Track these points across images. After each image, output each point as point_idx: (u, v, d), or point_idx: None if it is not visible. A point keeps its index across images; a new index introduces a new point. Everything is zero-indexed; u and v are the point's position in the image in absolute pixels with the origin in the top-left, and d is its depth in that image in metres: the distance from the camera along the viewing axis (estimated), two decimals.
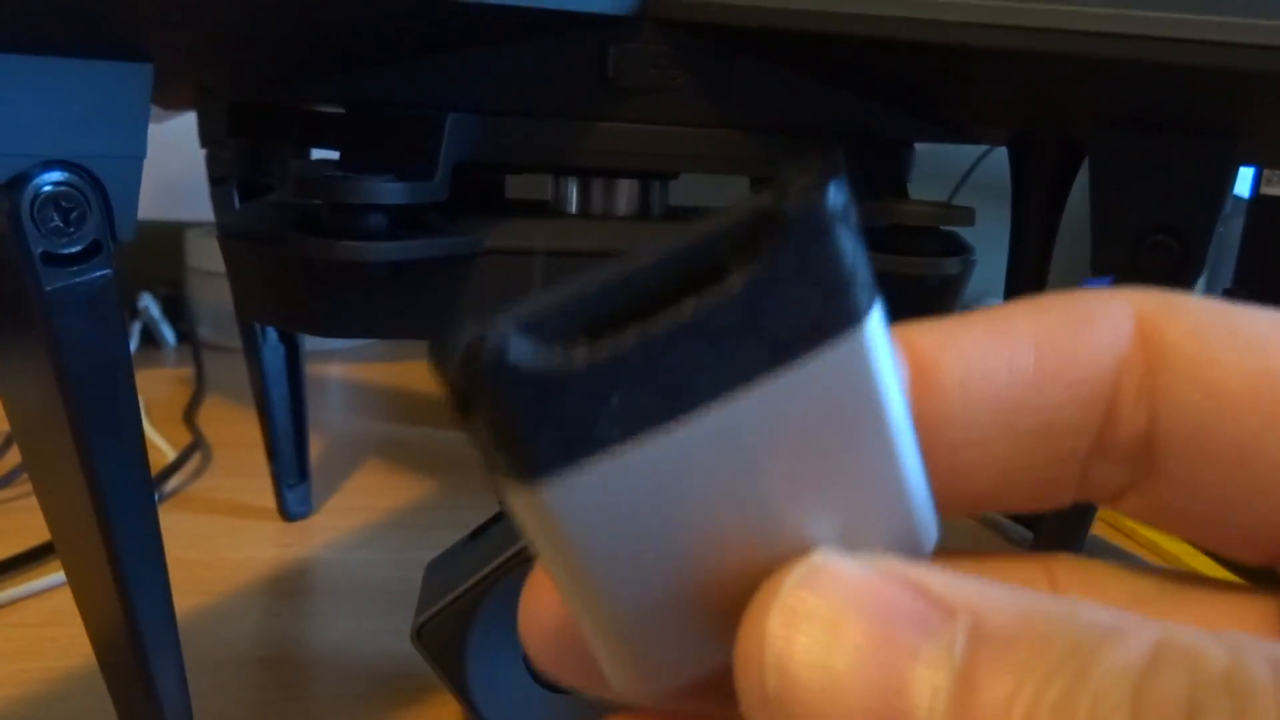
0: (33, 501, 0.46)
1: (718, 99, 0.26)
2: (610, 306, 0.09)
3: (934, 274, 0.25)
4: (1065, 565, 0.13)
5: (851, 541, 0.11)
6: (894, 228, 0.26)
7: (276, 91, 0.25)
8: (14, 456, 0.50)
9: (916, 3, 0.22)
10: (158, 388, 0.66)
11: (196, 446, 0.55)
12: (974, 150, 0.83)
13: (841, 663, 0.09)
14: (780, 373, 0.09)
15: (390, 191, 0.22)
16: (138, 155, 0.20)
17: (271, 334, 0.45)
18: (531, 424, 0.09)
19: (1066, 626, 0.09)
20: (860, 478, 0.10)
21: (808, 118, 0.27)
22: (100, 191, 0.20)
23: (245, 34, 0.21)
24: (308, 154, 0.37)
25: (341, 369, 0.75)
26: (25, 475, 0.48)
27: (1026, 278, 0.30)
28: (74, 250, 0.19)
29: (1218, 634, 0.09)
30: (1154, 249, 0.25)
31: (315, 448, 0.50)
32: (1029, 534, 0.48)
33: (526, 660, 0.27)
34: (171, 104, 0.35)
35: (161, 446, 0.54)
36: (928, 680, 0.09)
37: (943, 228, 0.26)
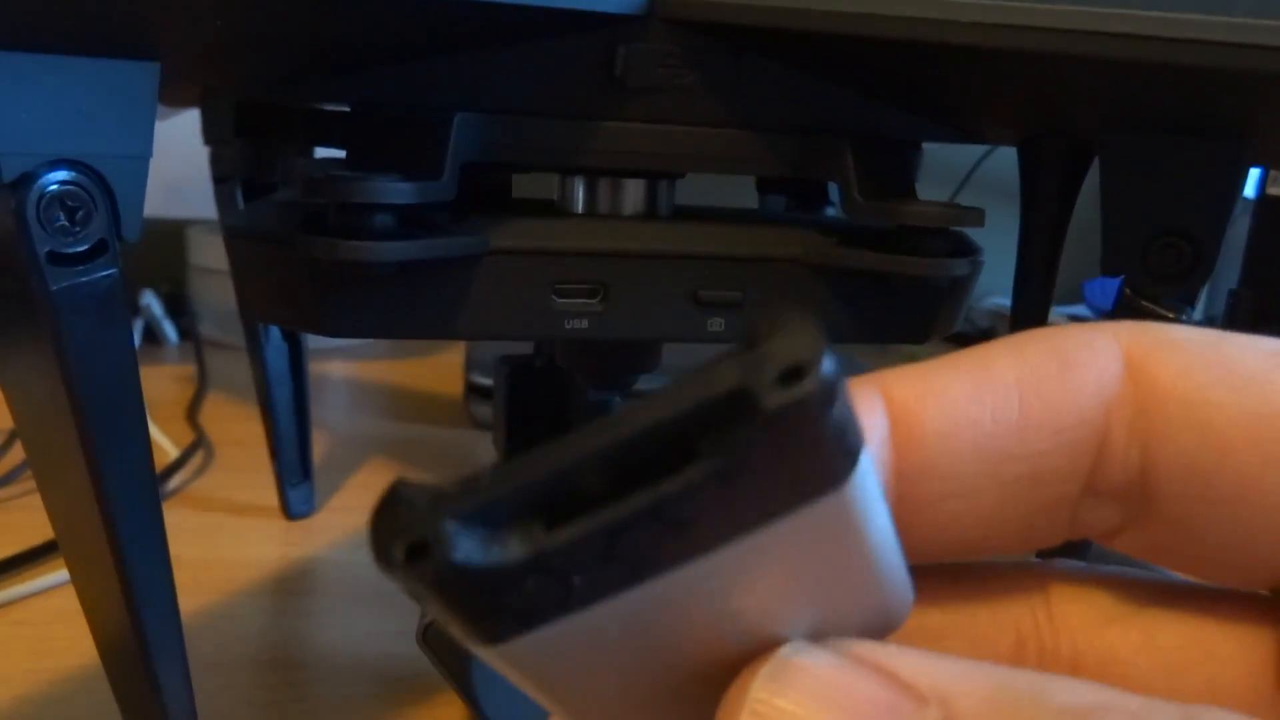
0: (34, 499, 0.46)
1: (726, 99, 0.26)
2: (568, 488, 0.08)
3: (942, 275, 0.25)
4: (1060, 577, 0.13)
5: (823, 626, 0.10)
6: (902, 228, 0.25)
7: (283, 91, 0.25)
8: (15, 455, 0.50)
9: (927, 3, 0.22)
10: (160, 385, 0.66)
11: (199, 445, 0.55)
12: (977, 148, 0.83)
13: None
14: (753, 534, 0.09)
15: (398, 191, 0.22)
16: (144, 154, 0.20)
17: (275, 333, 0.44)
18: (486, 612, 0.09)
19: (1039, 710, 0.09)
20: (836, 592, 0.10)
21: (816, 118, 0.27)
22: (106, 191, 0.20)
23: (253, 34, 0.21)
24: (312, 153, 0.37)
25: (343, 367, 0.75)
26: (27, 473, 0.48)
27: (1035, 279, 0.30)
28: (80, 249, 0.19)
29: (1188, 711, 0.09)
30: (1163, 251, 0.25)
31: (317, 446, 0.50)
32: None
33: None
34: (174, 101, 0.35)
35: (164, 444, 0.54)
36: None
37: (951, 229, 0.26)
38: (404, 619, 0.38)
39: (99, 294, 0.20)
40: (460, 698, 0.28)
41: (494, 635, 0.09)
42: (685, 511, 0.08)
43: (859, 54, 0.25)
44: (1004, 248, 0.31)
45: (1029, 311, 0.30)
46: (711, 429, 0.08)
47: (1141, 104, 0.24)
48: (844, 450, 0.09)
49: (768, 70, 0.26)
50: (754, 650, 0.10)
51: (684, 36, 0.25)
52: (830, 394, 0.08)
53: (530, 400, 0.35)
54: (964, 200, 0.82)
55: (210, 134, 0.41)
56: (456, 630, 0.09)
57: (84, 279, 0.19)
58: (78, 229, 0.19)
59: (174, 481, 0.51)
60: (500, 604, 0.09)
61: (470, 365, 0.64)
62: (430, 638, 0.26)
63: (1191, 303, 0.25)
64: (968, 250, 0.26)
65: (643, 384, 0.32)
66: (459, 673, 0.26)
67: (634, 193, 0.28)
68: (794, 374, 0.08)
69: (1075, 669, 0.12)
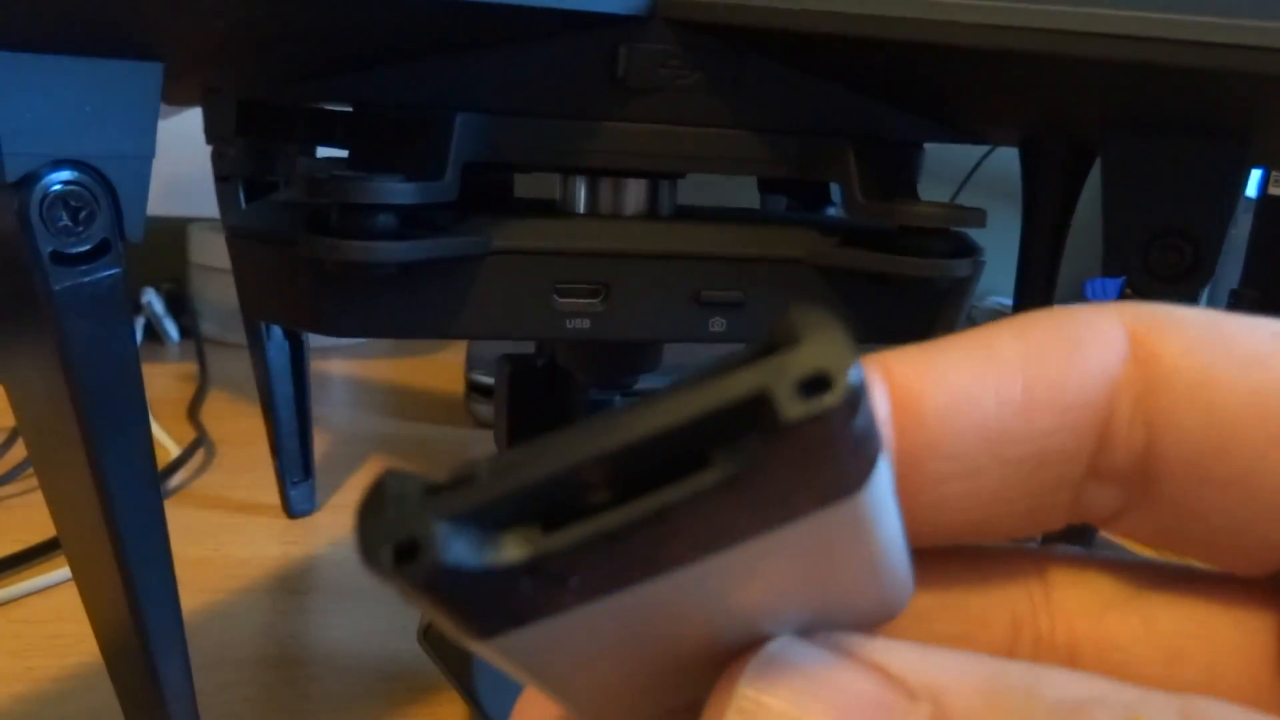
0: (35, 497, 0.46)
1: (728, 99, 0.26)
2: (569, 491, 0.08)
3: (944, 276, 0.25)
4: (1059, 562, 0.13)
5: (816, 622, 0.10)
6: (903, 228, 0.25)
7: (285, 91, 0.25)
8: (16, 453, 0.50)
9: (929, 4, 0.22)
10: (161, 384, 0.66)
11: (200, 443, 0.55)
12: (978, 148, 0.83)
13: None
14: (762, 536, 0.09)
15: (400, 192, 0.22)
16: (147, 155, 0.20)
17: (276, 331, 0.44)
18: (477, 611, 0.08)
19: (1032, 704, 0.09)
20: (838, 585, 0.10)
21: (818, 118, 0.27)
22: (109, 191, 0.20)
23: (255, 34, 0.21)
24: (313, 152, 0.37)
25: (344, 365, 0.75)
26: (28, 471, 0.48)
27: (1037, 279, 0.30)
28: (83, 249, 0.19)
29: (1184, 701, 0.09)
30: (1165, 251, 0.25)
31: (318, 444, 0.50)
32: None
33: None
34: (177, 100, 0.35)
35: (165, 443, 0.54)
36: None
37: (953, 229, 0.26)
38: (405, 617, 0.38)
39: (101, 294, 0.20)
40: (461, 695, 0.28)
41: (484, 632, 0.09)
42: (691, 518, 0.08)
43: (861, 55, 0.25)
44: (1005, 247, 0.31)
45: (1031, 306, 0.30)
46: (725, 435, 0.08)
47: (1143, 105, 0.24)
48: (864, 458, 0.08)
49: (770, 71, 0.26)
50: (745, 643, 0.10)
51: (686, 37, 0.25)
52: (855, 404, 0.08)
53: (531, 399, 0.35)
54: (965, 200, 0.82)
55: (212, 133, 0.41)
56: (446, 626, 0.09)
57: (86, 279, 0.20)
58: (80, 229, 0.19)
59: (175, 479, 0.51)
60: (492, 603, 0.08)
61: (471, 364, 0.64)
62: (431, 636, 0.27)
63: (1192, 303, 0.25)
64: (969, 251, 0.26)
65: (644, 383, 0.33)
66: (460, 671, 0.26)
67: (636, 193, 0.28)
68: (818, 384, 0.08)
69: (1072, 655, 0.12)
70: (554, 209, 0.29)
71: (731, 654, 0.10)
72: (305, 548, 0.44)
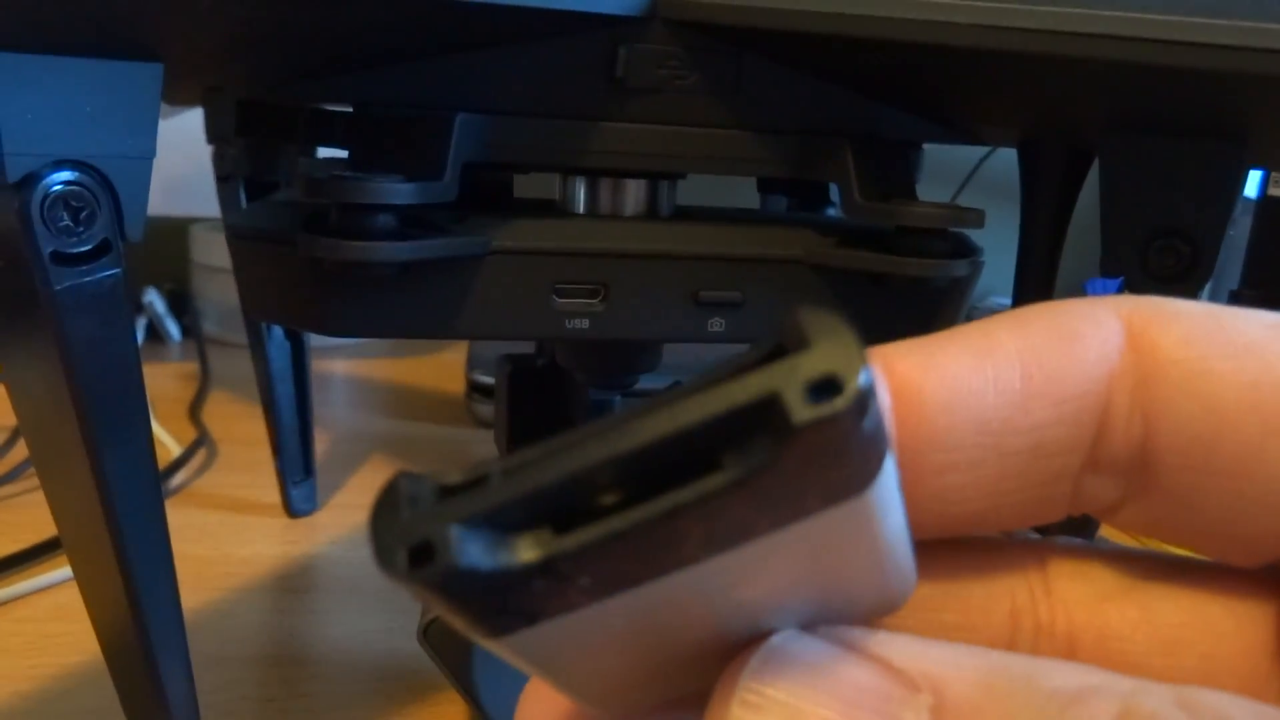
0: (36, 497, 0.46)
1: (727, 99, 0.26)
2: (581, 493, 0.08)
3: (942, 276, 0.25)
4: (1058, 553, 0.13)
5: (818, 615, 0.10)
6: (902, 229, 0.26)
7: (285, 90, 0.25)
8: (18, 452, 0.50)
9: (927, 5, 0.22)
10: (162, 383, 0.66)
11: (201, 442, 0.55)
12: (978, 148, 0.83)
13: None
14: (770, 534, 0.09)
15: (399, 192, 0.22)
16: (147, 155, 0.20)
17: (277, 331, 0.45)
18: (490, 611, 0.08)
19: (1031, 694, 0.09)
20: (843, 578, 0.10)
21: (817, 118, 0.27)
22: (110, 191, 0.20)
23: (254, 34, 0.21)
24: (314, 151, 0.37)
25: (345, 365, 0.75)
26: (29, 471, 0.48)
27: (1035, 279, 0.30)
28: (83, 250, 0.20)
29: (1181, 691, 0.09)
30: (1163, 252, 0.25)
31: (319, 444, 0.50)
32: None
33: None
34: (177, 100, 0.35)
35: (167, 442, 0.54)
36: None
37: (951, 229, 0.26)
38: (405, 616, 0.38)
39: (102, 294, 0.20)
40: (460, 694, 0.28)
41: (497, 631, 0.09)
42: (701, 519, 0.08)
43: (860, 55, 0.25)
44: (1004, 247, 0.31)
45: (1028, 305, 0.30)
46: (735, 438, 0.08)
47: (1141, 106, 0.24)
48: (872, 457, 0.08)
49: (769, 71, 0.26)
50: (750, 636, 0.10)
51: (685, 37, 0.25)
52: (864, 406, 0.08)
53: (532, 399, 0.35)
54: (964, 200, 0.82)
55: (213, 132, 0.41)
56: (458, 625, 0.09)
57: (87, 279, 0.20)
58: (81, 229, 0.19)
59: (177, 479, 0.51)
60: (505, 603, 0.08)
61: (472, 363, 0.64)
62: (431, 636, 0.27)
63: None
64: (968, 251, 0.26)
65: (643, 383, 0.33)
66: (460, 670, 0.26)
67: (635, 193, 0.28)
68: (828, 387, 0.08)
69: (1071, 645, 0.12)
70: (553, 209, 0.29)
71: (737, 647, 0.10)
72: (306, 547, 0.44)
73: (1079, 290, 0.97)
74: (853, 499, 0.09)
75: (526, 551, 0.08)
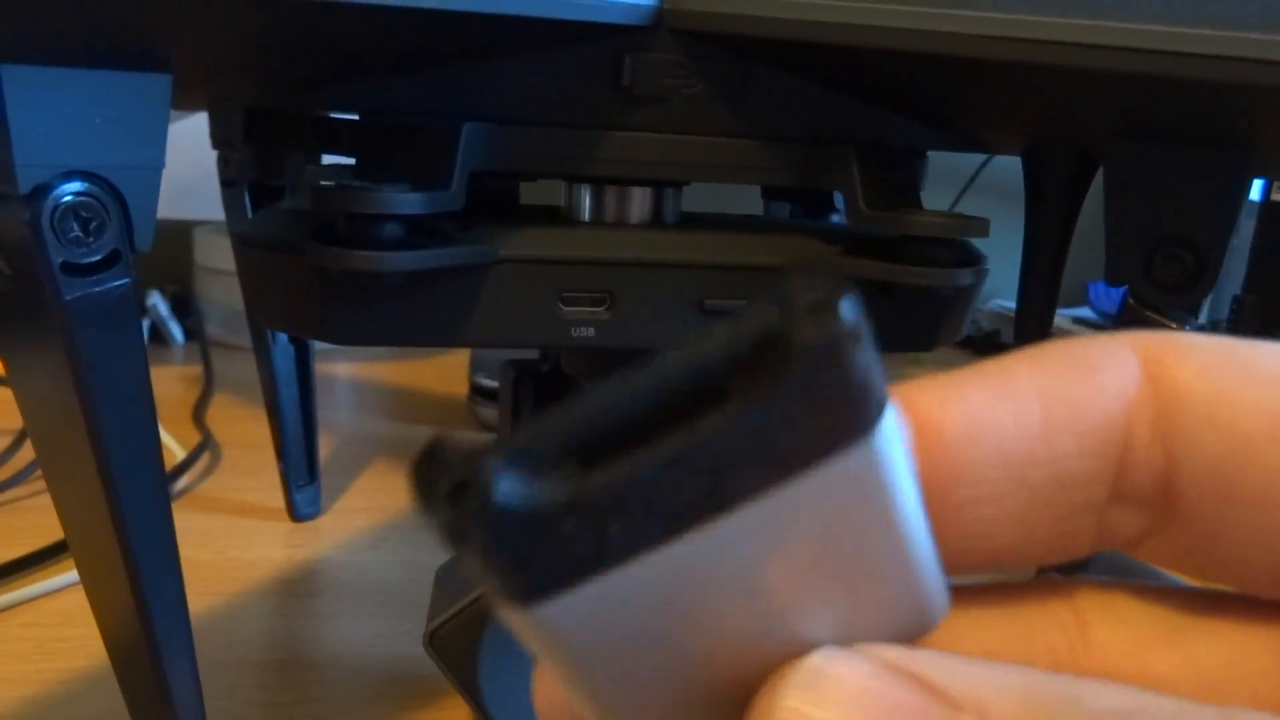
0: (42, 501, 0.46)
1: (733, 108, 0.26)
2: (605, 432, 0.09)
3: (947, 285, 0.25)
4: (1090, 596, 0.13)
5: (854, 629, 0.10)
6: (907, 237, 0.26)
7: (292, 99, 0.25)
8: (23, 456, 0.50)
9: (933, 16, 0.22)
10: (166, 386, 0.66)
11: (205, 446, 0.55)
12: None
13: None
14: (784, 487, 0.09)
15: (407, 202, 0.22)
16: (156, 165, 0.20)
17: (281, 336, 0.45)
18: (524, 558, 0.09)
19: (1075, 715, 0.09)
20: (868, 573, 0.10)
21: (822, 127, 0.27)
22: (119, 201, 0.20)
23: (263, 46, 0.21)
24: (319, 157, 0.37)
25: (348, 368, 0.75)
26: (35, 474, 0.48)
27: (1040, 285, 0.30)
28: (93, 260, 0.20)
29: (1227, 713, 0.09)
30: (1167, 261, 0.25)
31: (323, 447, 0.50)
32: None
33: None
34: (182, 105, 0.36)
35: (170, 445, 0.54)
36: None
37: (956, 238, 0.26)
38: (410, 620, 0.38)
39: (112, 303, 0.20)
40: (466, 701, 0.28)
41: (531, 590, 0.09)
42: (719, 454, 0.09)
43: (866, 64, 0.25)
44: (1009, 250, 0.31)
45: (1034, 316, 0.31)
46: (744, 371, 0.09)
47: (1147, 115, 0.24)
48: (871, 398, 0.09)
49: (774, 79, 0.26)
50: (784, 652, 0.10)
51: (691, 46, 0.25)
52: (857, 334, 0.09)
53: (535, 404, 0.35)
54: (968, 202, 0.82)
55: (218, 138, 0.41)
56: (494, 584, 0.09)
57: (97, 289, 0.20)
58: (91, 239, 0.19)
59: (181, 482, 0.51)
60: (539, 551, 0.09)
61: (474, 367, 0.64)
62: (437, 642, 0.27)
63: (1195, 313, 0.26)
64: (973, 260, 0.26)
65: None
66: (465, 676, 0.26)
67: (640, 201, 0.28)
68: (821, 310, 0.08)
69: None
70: (559, 216, 0.29)
71: (770, 668, 0.10)
72: (310, 551, 0.44)
73: (1083, 292, 0.97)
74: (859, 447, 0.09)
75: (557, 489, 0.09)
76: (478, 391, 0.63)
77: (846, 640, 0.10)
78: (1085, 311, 1.03)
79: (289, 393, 0.46)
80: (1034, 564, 0.12)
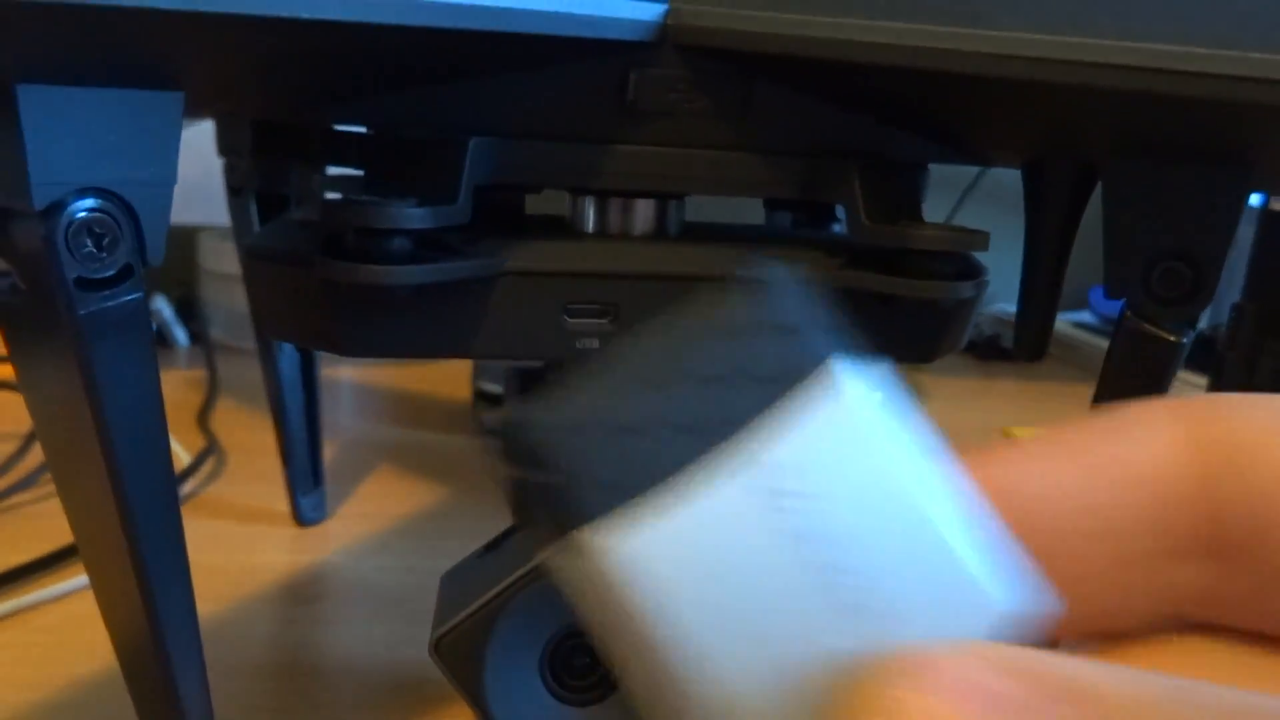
0: (48, 506, 0.47)
1: (736, 122, 0.26)
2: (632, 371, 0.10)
3: (949, 298, 0.26)
4: (1173, 649, 0.13)
5: (942, 623, 0.11)
6: (908, 249, 0.26)
7: (300, 113, 0.25)
8: (30, 460, 0.50)
9: (936, 34, 0.23)
10: (170, 389, 0.66)
11: (211, 450, 0.55)
12: None
13: None
14: (780, 413, 0.10)
15: (415, 217, 0.22)
16: (168, 181, 0.21)
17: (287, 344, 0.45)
18: (583, 476, 0.10)
19: (1186, 708, 0.09)
20: (920, 554, 0.11)
21: (824, 140, 0.27)
22: (132, 217, 0.20)
23: (274, 64, 0.21)
24: (325, 167, 0.38)
25: (352, 372, 0.75)
26: (43, 477, 0.48)
27: (1040, 297, 0.30)
28: (106, 275, 0.20)
29: None
30: (1166, 275, 0.25)
31: (327, 452, 0.51)
32: None
33: (543, 673, 0.27)
34: (190, 115, 0.36)
35: (176, 450, 0.54)
36: None
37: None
38: (415, 627, 0.38)
39: (124, 317, 0.20)
40: (472, 708, 0.28)
41: (591, 517, 0.10)
42: (716, 373, 0.10)
43: (867, 80, 0.25)
44: (1009, 254, 0.31)
45: (1034, 325, 0.31)
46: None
47: (1146, 132, 0.24)
48: (816, 341, 0.11)
49: (777, 94, 0.26)
50: (875, 647, 0.10)
51: (695, 62, 0.26)
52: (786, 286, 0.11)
53: None
54: (968, 206, 0.82)
55: (224, 145, 0.41)
56: (562, 519, 0.10)
57: (110, 303, 0.20)
58: (105, 255, 0.20)
59: (186, 487, 0.51)
60: (594, 464, 0.10)
61: (478, 372, 0.64)
62: (443, 649, 0.27)
63: (1193, 325, 0.26)
64: (974, 272, 0.27)
65: None
66: (472, 684, 0.27)
67: (644, 212, 0.29)
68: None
69: None
70: (563, 227, 0.29)
71: (856, 657, 0.10)
72: (315, 556, 0.45)
73: (1084, 297, 0.97)
74: (830, 395, 0.11)
75: (604, 409, 0.10)
76: (481, 397, 0.64)
77: (942, 635, 0.11)
78: (1086, 316, 1.03)
79: (295, 399, 0.46)
80: (1124, 621, 0.12)
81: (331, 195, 0.32)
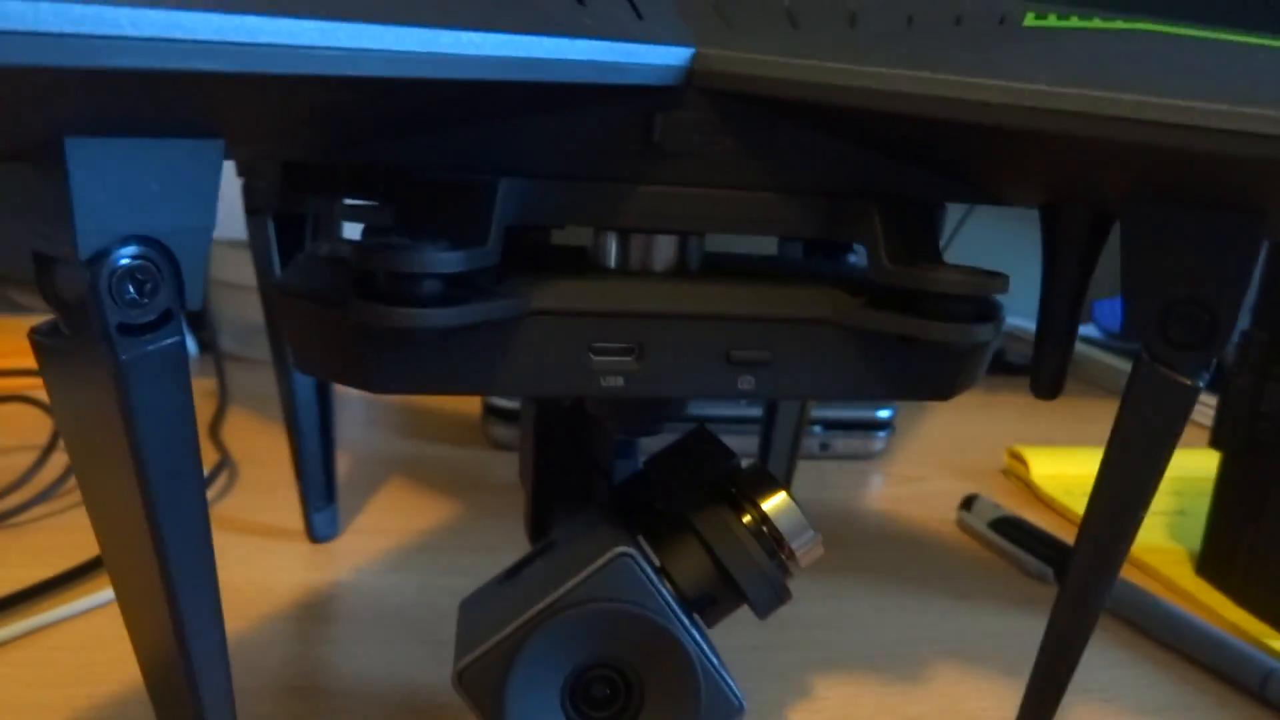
0: (66, 520, 0.47)
1: (759, 163, 0.27)
2: None
3: (967, 341, 0.26)
4: None
5: None
6: (926, 292, 0.26)
7: (332, 154, 0.26)
8: (48, 473, 0.51)
9: (956, 83, 0.23)
10: None
11: (224, 464, 0.56)
12: None
13: None
14: None
15: (446, 261, 0.23)
16: (208, 226, 0.21)
17: None
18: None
19: None
20: None
21: (846, 181, 0.28)
22: (172, 263, 0.20)
23: (315, 114, 0.22)
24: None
25: None
26: (60, 490, 0.49)
27: (1058, 333, 0.30)
28: (147, 320, 0.20)
29: None
30: (1182, 320, 0.26)
31: (340, 466, 0.51)
32: (1047, 568, 0.49)
33: (564, 704, 0.28)
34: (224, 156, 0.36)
35: None
36: None
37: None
38: (432, 646, 0.39)
39: (164, 360, 0.21)
40: None
41: None
42: None
43: (889, 125, 0.26)
44: (1022, 268, 0.31)
45: (1051, 364, 0.31)
46: None
47: (1164, 181, 0.24)
48: None
49: (800, 136, 0.27)
50: None
51: (719, 105, 0.26)
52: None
53: (558, 438, 0.36)
54: (978, 216, 0.82)
55: (243, 165, 0.42)
56: None
57: (151, 347, 0.20)
58: (146, 301, 0.20)
59: None
60: None
61: None
62: (467, 680, 0.27)
63: (1208, 368, 0.26)
64: (992, 314, 0.27)
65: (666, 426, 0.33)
66: (495, 714, 0.27)
67: (666, 249, 0.29)
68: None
69: None
70: (586, 261, 0.30)
71: None
72: (329, 574, 0.45)
73: (1088, 310, 0.98)
74: None
75: None
76: (491, 411, 0.64)
77: None
78: (1091, 330, 1.04)
79: (310, 418, 0.46)
80: None
81: (352, 225, 0.32)
